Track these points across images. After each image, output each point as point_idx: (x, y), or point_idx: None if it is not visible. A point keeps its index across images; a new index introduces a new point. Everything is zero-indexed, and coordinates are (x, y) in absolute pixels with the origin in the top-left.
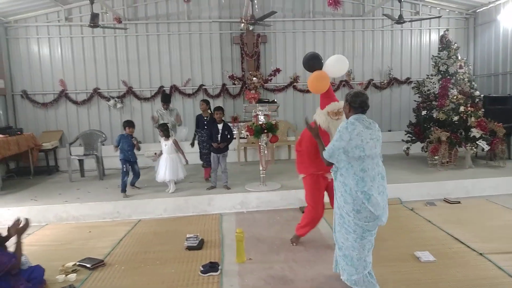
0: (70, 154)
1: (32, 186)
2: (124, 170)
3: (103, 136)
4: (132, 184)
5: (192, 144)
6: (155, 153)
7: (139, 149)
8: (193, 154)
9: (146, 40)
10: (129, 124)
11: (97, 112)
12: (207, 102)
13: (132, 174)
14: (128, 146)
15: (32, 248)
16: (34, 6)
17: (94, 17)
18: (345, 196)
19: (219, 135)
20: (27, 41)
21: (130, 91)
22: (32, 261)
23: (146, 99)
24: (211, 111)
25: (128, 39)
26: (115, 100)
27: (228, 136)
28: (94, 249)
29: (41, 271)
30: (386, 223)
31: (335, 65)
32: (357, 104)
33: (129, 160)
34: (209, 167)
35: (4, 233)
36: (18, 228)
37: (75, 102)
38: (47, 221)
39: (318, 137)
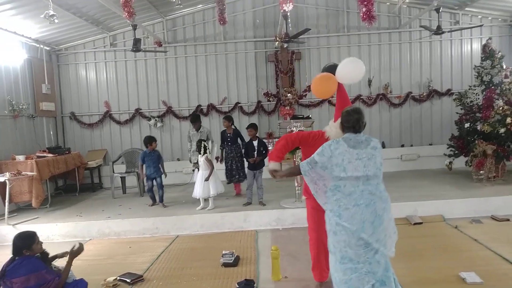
0: (113, 172)
1: (78, 203)
2: (147, 188)
3: None
4: (160, 201)
5: (221, 160)
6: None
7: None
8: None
9: (184, 61)
10: (151, 139)
11: (139, 131)
12: (229, 119)
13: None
14: (154, 162)
15: (77, 262)
16: (83, 34)
17: (137, 42)
18: (326, 215)
19: (255, 152)
20: (76, 66)
21: (169, 111)
22: (76, 275)
23: (185, 118)
24: (234, 127)
25: (168, 61)
26: (156, 120)
27: (264, 152)
28: (134, 264)
29: (84, 284)
30: (428, 240)
31: (346, 66)
32: (350, 123)
33: (154, 177)
34: (237, 182)
35: (52, 253)
36: (73, 251)
37: (118, 122)
38: (91, 236)
39: None
